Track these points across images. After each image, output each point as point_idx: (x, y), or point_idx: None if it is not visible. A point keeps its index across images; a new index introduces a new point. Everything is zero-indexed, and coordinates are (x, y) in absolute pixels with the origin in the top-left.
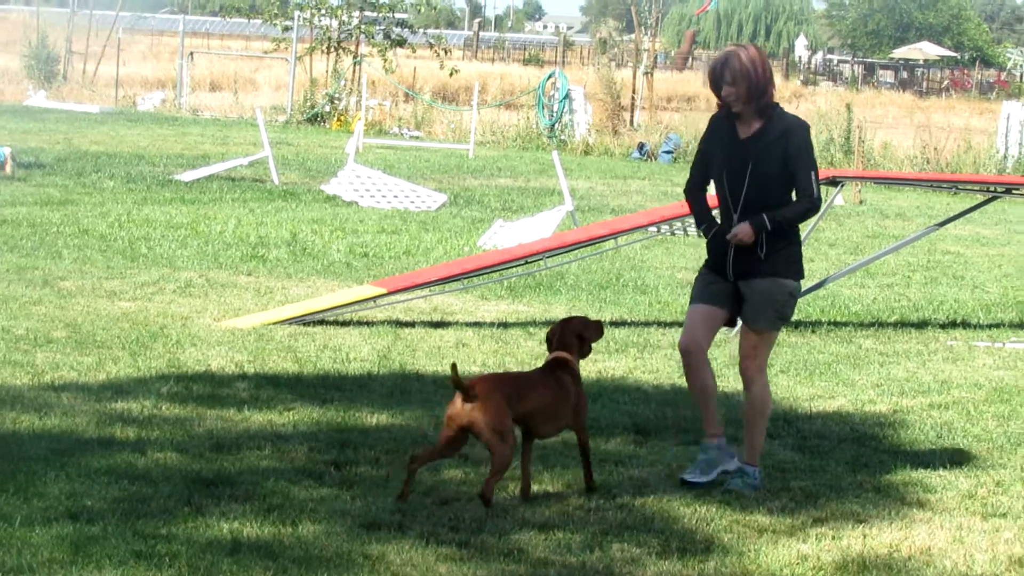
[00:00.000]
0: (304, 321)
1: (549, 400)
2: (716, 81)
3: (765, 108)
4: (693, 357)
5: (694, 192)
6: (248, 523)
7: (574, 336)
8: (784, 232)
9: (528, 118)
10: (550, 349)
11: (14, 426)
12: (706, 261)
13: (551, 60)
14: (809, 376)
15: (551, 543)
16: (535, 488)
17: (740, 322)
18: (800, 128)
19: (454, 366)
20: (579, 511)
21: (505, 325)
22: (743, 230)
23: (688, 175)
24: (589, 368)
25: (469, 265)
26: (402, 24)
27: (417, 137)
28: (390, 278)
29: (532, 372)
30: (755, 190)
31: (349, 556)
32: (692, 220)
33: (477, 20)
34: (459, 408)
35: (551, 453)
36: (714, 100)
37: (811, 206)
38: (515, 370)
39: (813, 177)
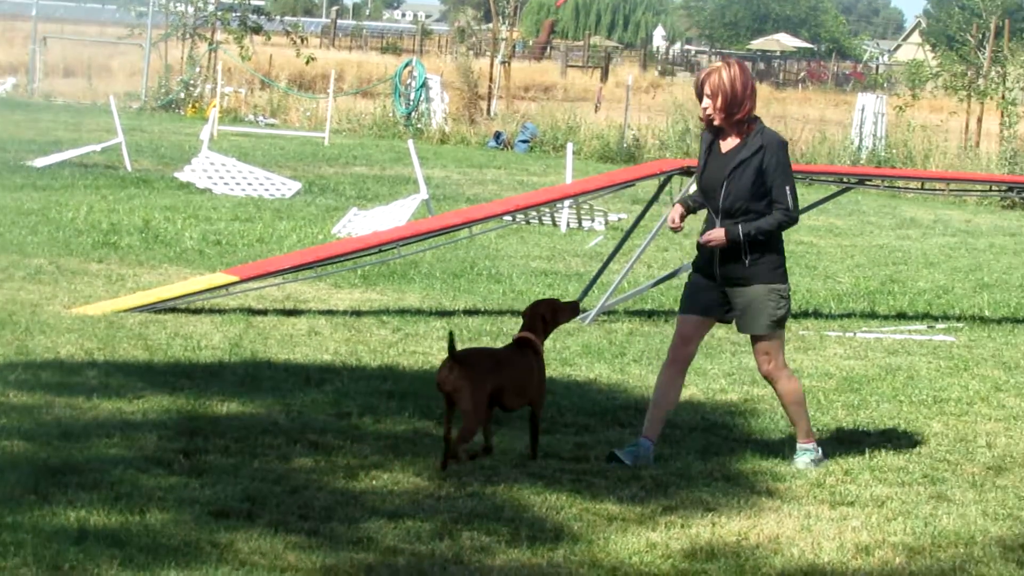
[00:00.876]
0: (155, 309)
1: (519, 377)
2: (698, 94)
3: (741, 123)
4: (676, 368)
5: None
6: (95, 511)
7: (539, 318)
8: (762, 242)
9: (385, 106)
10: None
11: None
12: (694, 262)
13: (409, 49)
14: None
15: (401, 531)
16: (385, 477)
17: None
18: (776, 145)
19: (451, 334)
20: (429, 500)
21: (358, 313)
22: (716, 234)
23: None
24: (442, 357)
25: (323, 253)
26: (258, 11)
27: (272, 125)
28: (243, 266)
29: (506, 350)
30: (731, 201)
31: (197, 544)
32: (546, 209)
33: (335, 8)
34: (446, 375)
35: (401, 442)
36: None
37: (785, 219)
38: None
39: (788, 192)
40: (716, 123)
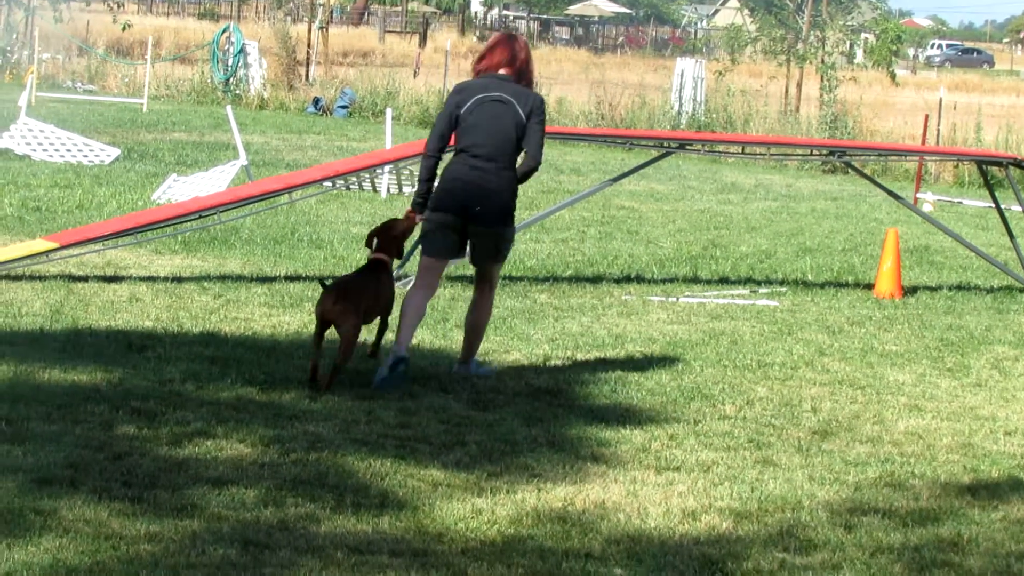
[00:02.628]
0: None
1: (380, 295)
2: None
3: None
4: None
5: None
6: None
7: (387, 239)
8: None
9: (203, 73)
10: (370, 247)
11: None
12: None
13: (226, 15)
14: (487, 331)
15: (225, 498)
16: (209, 444)
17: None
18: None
19: (323, 280)
20: (253, 466)
21: (179, 279)
22: None
23: None
24: (263, 323)
25: (143, 219)
26: None
27: (91, 91)
28: (63, 232)
29: (366, 274)
30: None
31: (20, 512)
32: (366, 174)
33: None
34: (330, 306)
35: (224, 409)
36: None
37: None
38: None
39: None
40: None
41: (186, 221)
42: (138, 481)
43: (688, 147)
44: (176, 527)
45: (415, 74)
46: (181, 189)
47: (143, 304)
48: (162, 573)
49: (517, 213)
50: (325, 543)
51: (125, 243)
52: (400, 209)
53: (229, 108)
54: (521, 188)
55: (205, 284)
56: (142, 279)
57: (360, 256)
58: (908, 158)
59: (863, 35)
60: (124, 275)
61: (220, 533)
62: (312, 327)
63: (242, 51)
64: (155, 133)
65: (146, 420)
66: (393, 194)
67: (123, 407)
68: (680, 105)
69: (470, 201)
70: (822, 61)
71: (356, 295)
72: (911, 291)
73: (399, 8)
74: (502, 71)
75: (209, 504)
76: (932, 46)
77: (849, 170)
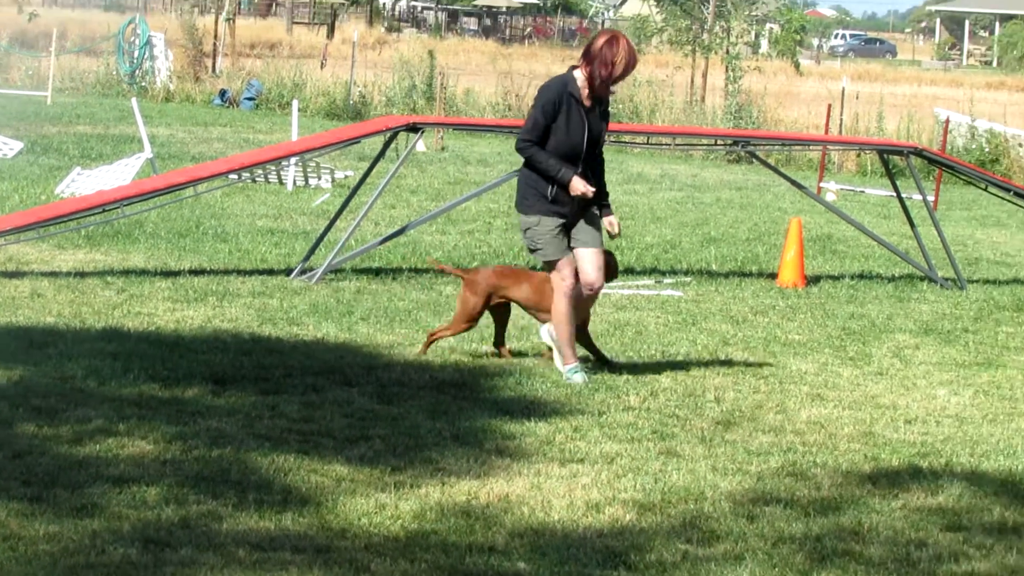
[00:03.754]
0: None
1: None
2: (629, 70)
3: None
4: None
5: None
6: None
7: None
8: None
9: (108, 65)
10: None
11: None
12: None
13: (132, 6)
14: (390, 324)
15: (126, 497)
16: (110, 441)
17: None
18: None
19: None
20: (155, 464)
21: (82, 275)
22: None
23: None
24: (167, 318)
25: (46, 214)
26: None
27: None
28: None
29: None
30: (598, 151)
31: None
32: (272, 167)
33: None
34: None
35: (126, 406)
36: None
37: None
38: None
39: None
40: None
41: (90, 215)
42: (37, 480)
43: None
44: (76, 527)
45: (322, 66)
46: (85, 183)
47: (45, 300)
48: (61, 574)
49: (422, 203)
50: (227, 540)
51: (27, 238)
52: (306, 200)
53: (134, 100)
54: (427, 179)
55: (108, 279)
56: (44, 274)
57: (265, 249)
58: (811, 148)
59: (768, 25)
60: (26, 271)
61: (120, 532)
62: None
63: (148, 43)
64: (59, 126)
65: (47, 418)
66: (299, 186)
67: (23, 405)
68: None
69: None
70: (727, 51)
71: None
72: (814, 280)
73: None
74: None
75: (110, 503)
76: (836, 36)
77: (753, 160)
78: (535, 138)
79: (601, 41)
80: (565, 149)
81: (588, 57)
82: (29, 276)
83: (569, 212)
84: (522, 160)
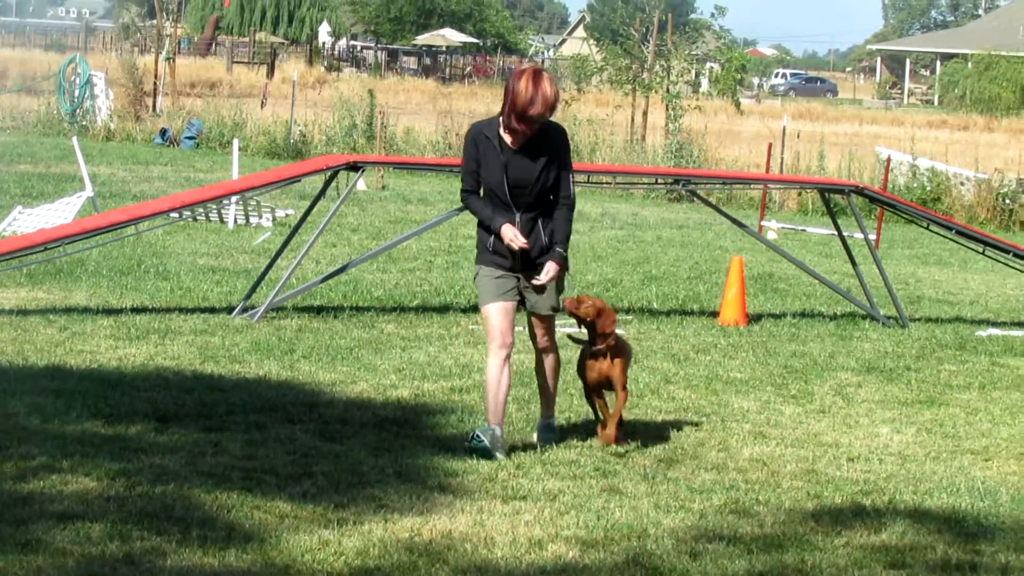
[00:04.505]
0: None
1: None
2: (551, 107)
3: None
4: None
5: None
6: None
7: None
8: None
9: (49, 104)
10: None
11: None
12: (492, 259)
13: (74, 45)
14: (331, 361)
15: (70, 533)
16: (54, 478)
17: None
18: (564, 131)
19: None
20: (99, 500)
21: (24, 312)
22: (553, 268)
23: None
24: (109, 355)
25: None
26: None
27: None
28: None
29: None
30: (538, 196)
31: None
32: (213, 205)
33: None
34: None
35: (69, 442)
36: None
37: (573, 210)
38: None
39: (571, 179)
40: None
41: (31, 253)
42: None
43: None
44: (20, 563)
45: (262, 105)
46: (27, 221)
47: None
48: None
49: (363, 241)
50: None
51: None
52: (247, 239)
53: (75, 139)
54: (368, 217)
55: (51, 316)
56: None
57: (207, 287)
58: (752, 186)
59: (708, 64)
60: None
61: (65, 568)
62: None
63: (88, 82)
64: (0, 165)
65: None
66: (240, 225)
67: None
68: None
69: None
70: (667, 90)
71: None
72: (756, 319)
73: (247, 39)
74: None
75: (54, 539)
76: (776, 75)
77: (694, 198)
78: (469, 186)
79: (513, 76)
80: (490, 194)
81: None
82: None
83: (512, 262)
84: None
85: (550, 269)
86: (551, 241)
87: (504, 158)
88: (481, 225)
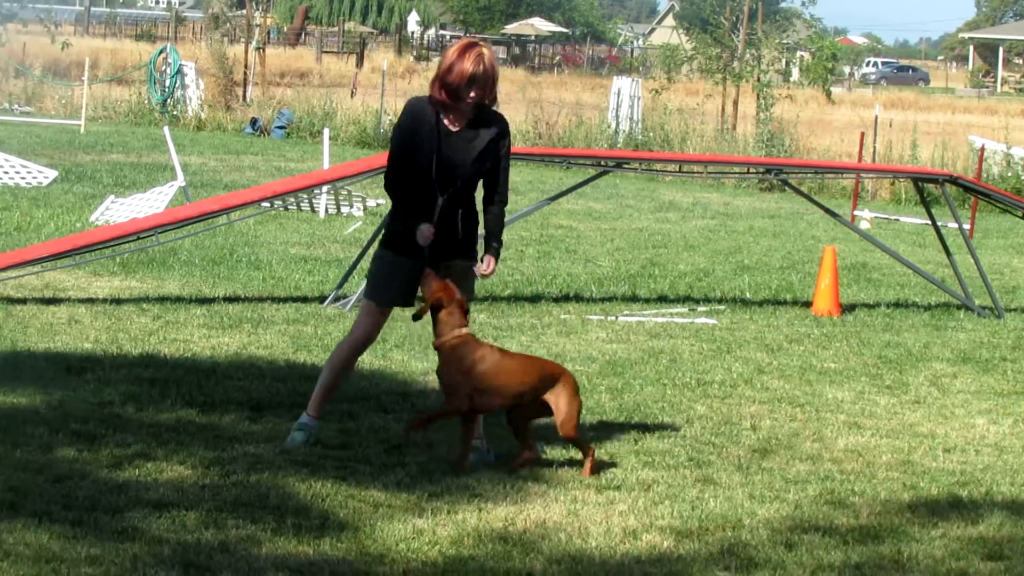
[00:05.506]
0: None
1: None
2: (482, 79)
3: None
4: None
5: None
6: None
7: None
8: None
9: (140, 94)
10: None
11: None
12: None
13: (163, 36)
14: (424, 351)
15: (166, 521)
16: (149, 466)
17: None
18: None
19: None
20: (194, 488)
21: (118, 301)
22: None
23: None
24: (202, 344)
25: (81, 241)
26: None
27: (28, 112)
28: (0, 254)
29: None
30: (467, 183)
31: None
32: (304, 195)
33: None
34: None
35: (164, 431)
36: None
37: (505, 210)
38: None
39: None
40: (468, 106)
41: (125, 243)
42: (78, 504)
43: (625, 166)
44: (117, 550)
45: (352, 94)
46: (119, 211)
47: (82, 326)
48: None
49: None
50: (266, 565)
51: (64, 265)
52: (338, 228)
53: (167, 129)
54: None
55: (144, 306)
56: (81, 301)
57: (299, 276)
58: (845, 176)
59: (799, 53)
60: (63, 297)
61: (161, 556)
62: None
63: (179, 72)
64: (93, 155)
65: (86, 443)
66: (331, 214)
67: (63, 430)
68: (617, 124)
69: None
70: (758, 79)
71: None
72: (849, 309)
73: (336, 29)
74: None
75: (150, 527)
76: (867, 64)
77: (786, 188)
78: (393, 170)
79: (450, 49)
80: (416, 172)
81: (440, 71)
82: (66, 303)
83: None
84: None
85: (490, 262)
86: (487, 237)
87: (445, 141)
88: (396, 212)
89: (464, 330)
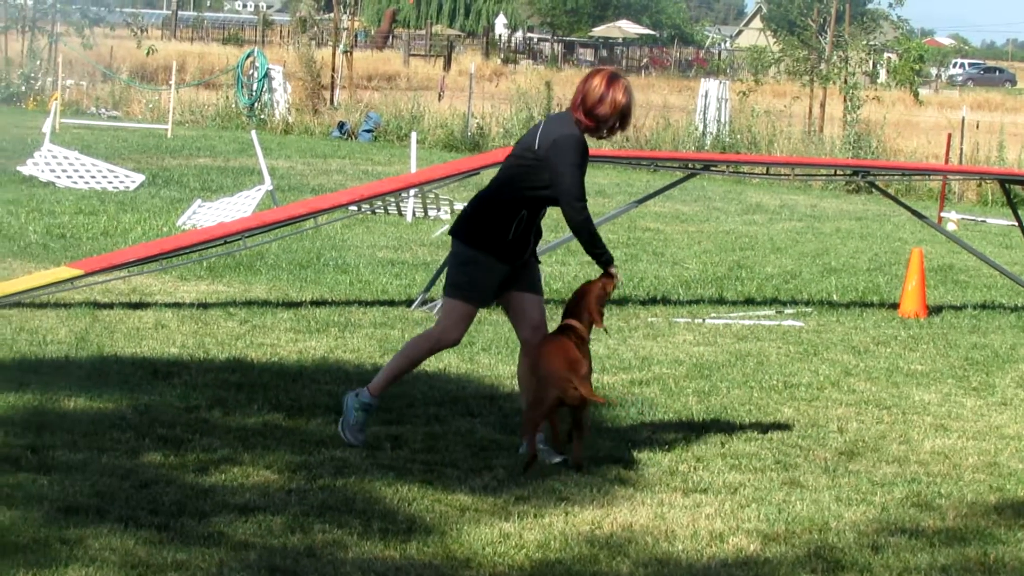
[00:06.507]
0: (0, 303)
1: None
2: (628, 112)
3: None
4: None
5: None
6: None
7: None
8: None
9: (227, 97)
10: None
11: None
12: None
13: (251, 39)
14: (511, 354)
15: (252, 525)
16: (236, 471)
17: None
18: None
19: None
20: (280, 493)
21: (205, 306)
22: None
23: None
24: (289, 349)
25: (168, 245)
26: (99, 3)
27: (115, 117)
28: (88, 259)
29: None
30: None
31: (46, 541)
32: (392, 198)
33: None
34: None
35: (250, 435)
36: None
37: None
38: None
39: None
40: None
41: (211, 247)
42: (164, 509)
43: (713, 168)
44: (203, 555)
45: (440, 97)
46: (206, 215)
47: (169, 330)
48: None
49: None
50: (353, 570)
51: (150, 269)
52: (425, 232)
53: (254, 133)
54: (547, 211)
55: (231, 310)
56: (167, 305)
57: (386, 280)
58: (932, 177)
59: (886, 55)
60: (149, 302)
61: (247, 561)
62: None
63: (266, 76)
64: (180, 159)
65: (172, 447)
66: (419, 218)
67: (149, 435)
68: (704, 126)
69: None
70: (845, 81)
71: None
72: (936, 310)
73: (423, 32)
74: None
75: (236, 532)
76: (954, 65)
77: (873, 190)
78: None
79: (594, 79)
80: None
81: (588, 102)
82: (153, 307)
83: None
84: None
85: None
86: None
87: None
88: (593, 247)
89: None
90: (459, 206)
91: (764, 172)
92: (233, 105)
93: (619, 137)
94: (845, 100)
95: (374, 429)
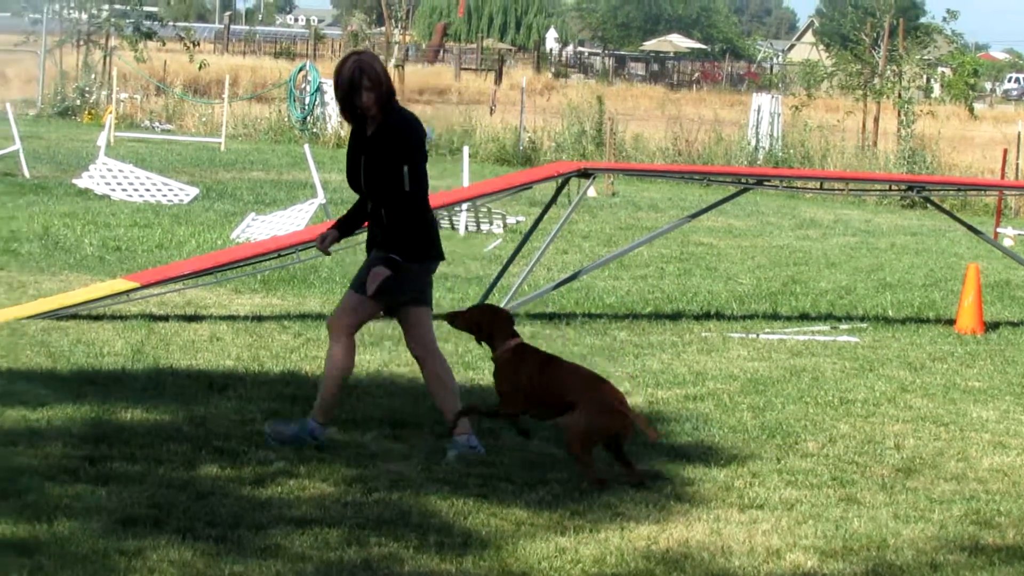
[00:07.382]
0: (57, 315)
1: None
2: (355, 86)
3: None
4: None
5: None
6: (2, 521)
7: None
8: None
9: (280, 111)
10: None
11: None
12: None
13: (302, 53)
14: None
15: (309, 538)
16: (291, 483)
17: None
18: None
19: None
20: (336, 505)
21: (259, 318)
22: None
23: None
24: None
25: (223, 258)
26: (152, 17)
27: (169, 130)
28: (143, 272)
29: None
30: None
31: (105, 552)
32: (444, 212)
33: (228, 13)
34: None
35: (306, 448)
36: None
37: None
38: None
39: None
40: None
41: (265, 260)
42: (222, 521)
43: (766, 183)
44: (260, 567)
45: (491, 111)
46: (260, 228)
47: (224, 343)
48: None
49: (594, 248)
50: None
51: (205, 282)
52: (478, 246)
53: (307, 147)
54: (599, 224)
55: (285, 323)
56: (222, 318)
57: (438, 293)
58: (987, 192)
59: (940, 69)
60: (204, 314)
61: (304, 573)
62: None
63: (319, 89)
64: (233, 172)
65: (229, 459)
66: (471, 231)
67: (205, 447)
68: (757, 141)
69: None
70: (899, 95)
71: None
72: (993, 326)
73: (474, 45)
74: None
75: (293, 544)
76: (1009, 79)
77: (928, 205)
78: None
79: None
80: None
81: None
82: (208, 320)
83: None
84: None
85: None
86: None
87: (362, 145)
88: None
89: None
90: (511, 220)
91: (818, 187)
92: (285, 119)
93: (671, 151)
94: (899, 115)
95: (429, 442)
